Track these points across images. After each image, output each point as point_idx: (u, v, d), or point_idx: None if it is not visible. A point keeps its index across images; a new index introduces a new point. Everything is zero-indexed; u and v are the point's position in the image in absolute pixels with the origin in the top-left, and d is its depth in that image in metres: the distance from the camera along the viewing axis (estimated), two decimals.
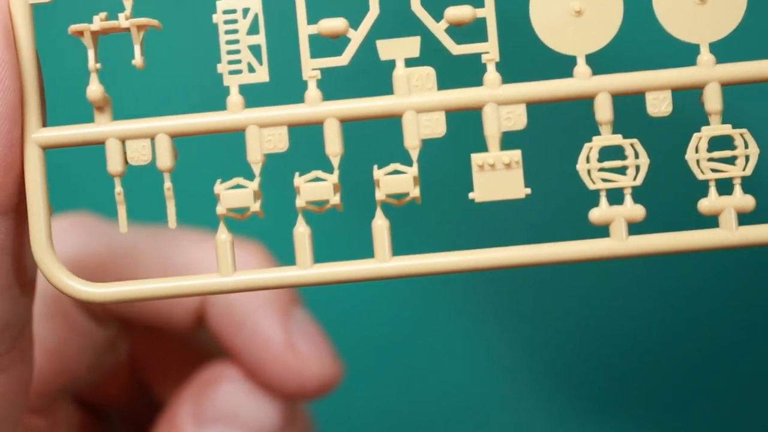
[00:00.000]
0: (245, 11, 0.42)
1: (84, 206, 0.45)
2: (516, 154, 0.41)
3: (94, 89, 0.41)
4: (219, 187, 0.41)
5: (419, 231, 0.55)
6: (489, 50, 0.42)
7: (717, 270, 0.71)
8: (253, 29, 0.42)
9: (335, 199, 0.41)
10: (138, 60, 0.42)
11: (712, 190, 0.41)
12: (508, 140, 0.41)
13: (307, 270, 0.42)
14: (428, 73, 0.42)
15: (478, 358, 0.72)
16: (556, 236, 0.41)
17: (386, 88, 0.42)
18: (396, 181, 0.41)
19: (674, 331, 0.72)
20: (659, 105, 0.42)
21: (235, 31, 0.42)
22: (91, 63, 0.41)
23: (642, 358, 0.72)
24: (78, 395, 0.49)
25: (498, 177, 0.41)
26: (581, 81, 0.41)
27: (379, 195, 0.41)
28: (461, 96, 0.42)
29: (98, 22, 0.41)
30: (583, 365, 0.72)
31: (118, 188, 0.42)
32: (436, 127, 0.42)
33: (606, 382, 0.72)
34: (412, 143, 0.42)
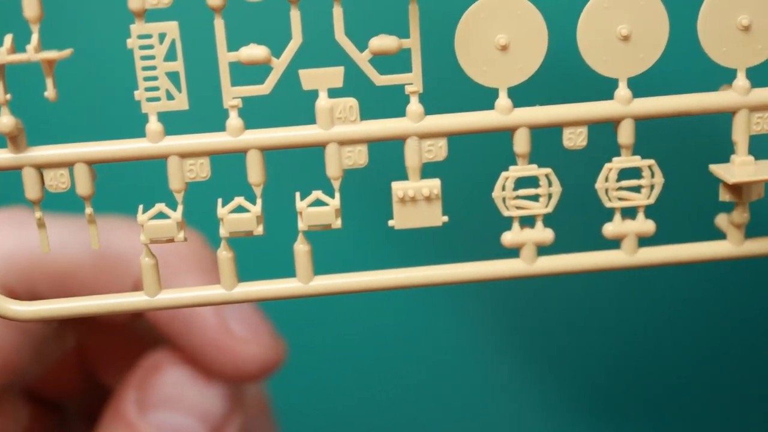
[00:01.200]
0: (162, 36, 0.40)
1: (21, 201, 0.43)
2: (435, 186, 0.42)
3: (5, 121, 0.39)
4: (141, 218, 0.41)
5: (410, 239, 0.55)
6: (413, 81, 0.41)
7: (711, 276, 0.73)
8: (170, 55, 0.40)
9: (258, 230, 0.42)
10: (50, 92, 0.39)
11: (617, 217, 0.43)
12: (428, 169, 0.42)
13: (230, 290, 0.43)
14: (351, 105, 0.41)
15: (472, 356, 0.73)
16: (473, 256, 0.43)
17: (311, 117, 0.41)
18: (318, 213, 0.42)
19: (664, 336, 0.74)
20: (575, 139, 0.42)
21: (151, 57, 0.40)
22: (0, 95, 0.39)
23: (636, 364, 0.75)
24: (27, 389, 0.50)
25: (417, 206, 0.42)
26: (502, 115, 0.42)
27: (302, 226, 0.42)
28: (384, 128, 0.41)
29: (4, 55, 0.39)
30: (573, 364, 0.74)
31: (38, 213, 0.41)
32: (359, 158, 0.42)
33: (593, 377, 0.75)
34: (334, 173, 0.42)
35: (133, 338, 0.51)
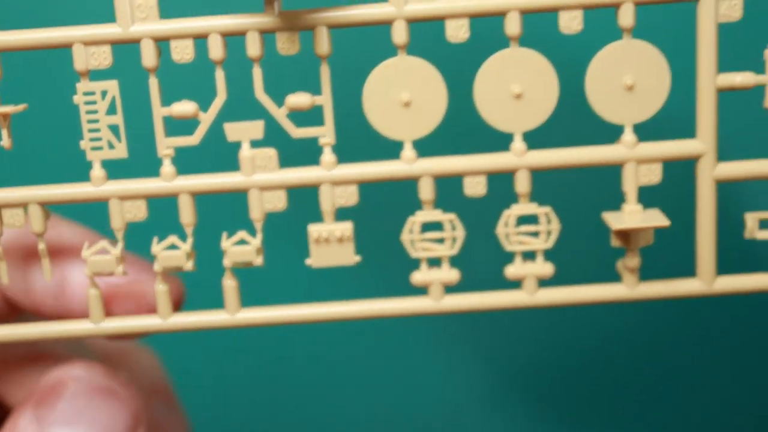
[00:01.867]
0: (104, 93, 0.45)
1: None
2: (347, 228, 0.46)
3: None
4: (85, 253, 0.46)
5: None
6: (326, 134, 0.45)
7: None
8: (111, 110, 0.45)
9: (188, 266, 0.46)
10: (5, 142, 0.45)
11: (518, 259, 0.47)
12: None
13: (166, 320, 0.47)
14: (271, 155, 0.46)
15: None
16: (387, 293, 0.47)
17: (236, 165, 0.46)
18: (241, 251, 0.46)
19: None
20: (475, 187, 0.46)
21: (95, 111, 0.45)
22: None
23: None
24: None
25: (331, 247, 0.46)
26: (407, 165, 0.46)
27: (227, 262, 0.46)
28: (300, 175, 0.46)
29: None
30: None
31: None
32: (278, 202, 0.46)
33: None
34: (256, 216, 0.46)
35: (32, 357, 0.51)
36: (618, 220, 0.46)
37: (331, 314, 0.47)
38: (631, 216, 0.46)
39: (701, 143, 0.45)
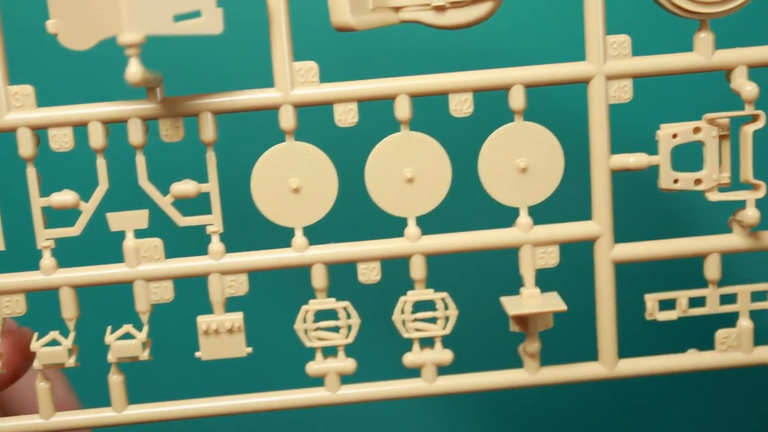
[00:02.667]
0: None
1: None
2: (238, 319, 0.44)
3: None
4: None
5: None
6: (213, 222, 0.44)
7: None
8: None
9: (70, 362, 0.44)
10: None
11: (416, 347, 0.45)
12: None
13: (47, 419, 0.45)
14: (156, 244, 0.44)
15: None
16: (280, 386, 0.45)
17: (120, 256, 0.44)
18: (126, 346, 0.44)
19: None
20: (369, 274, 0.45)
21: None
22: None
23: None
24: None
25: (221, 338, 0.44)
26: (298, 252, 0.44)
27: (111, 357, 0.44)
28: (187, 265, 0.44)
29: None
30: None
31: None
32: (165, 293, 0.44)
33: None
34: (142, 308, 0.44)
35: None
36: (515, 305, 0.44)
37: (221, 409, 0.45)
38: (529, 300, 0.44)
39: (597, 225, 0.44)
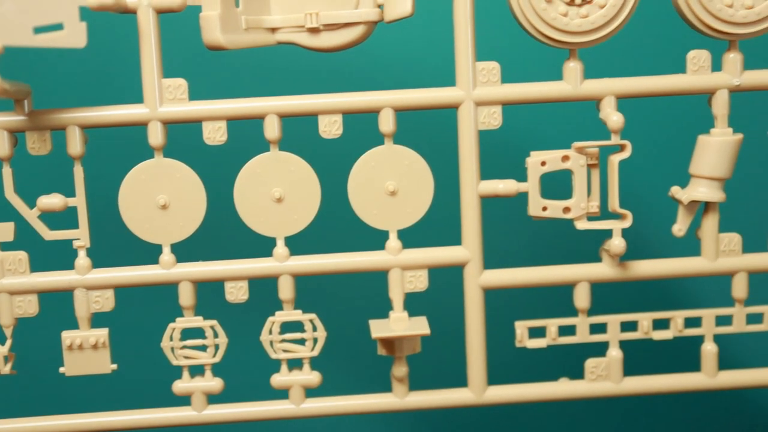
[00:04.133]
0: None
1: None
2: (103, 335, 0.43)
3: None
4: None
5: None
6: (80, 237, 0.43)
7: None
8: None
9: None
10: None
11: (284, 367, 0.45)
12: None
13: None
14: (21, 258, 0.43)
15: None
16: (145, 404, 0.44)
17: None
18: None
19: None
20: (236, 293, 0.44)
21: None
22: None
23: None
24: None
25: (85, 354, 0.44)
26: (165, 270, 0.43)
27: None
28: (52, 280, 0.43)
29: None
30: None
31: None
32: (29, 307, 0.43)
33: None
34: (5, 321, 0.43)
35: None
36: (380, 328, 0.44)
37: (83, 426, 0.44)
38: (395, 324, 0.44)
39: (466, 250, 0.44)
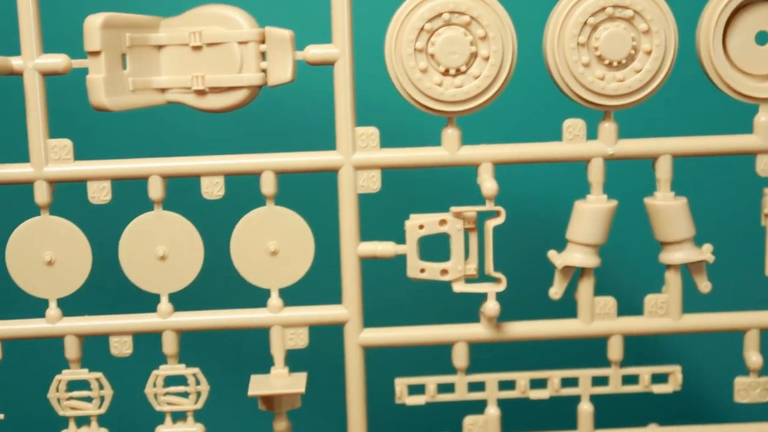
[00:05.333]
0: None
1: None
2: None
3: None
4: None
5: None
6: None
7: None
8: None
9: None
10: None
11: (168, 419, 0.45)
12: None
13: None
14: None
15: None
16: None
17: None
18: None
19: None
20: (121, 347, 0.44)
21: None
22: None
23: None
24: None
25: None
26: (51, 324, 0.44)
27: None
28: None
29: None
30: None
31: None
32: None
33: None
34: None
35: None
36: (259, 384, 0.44)
37: None
38: (275, 380, 0.45)
39: (345, 309, 0.45)
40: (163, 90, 0.44)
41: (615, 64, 0.42)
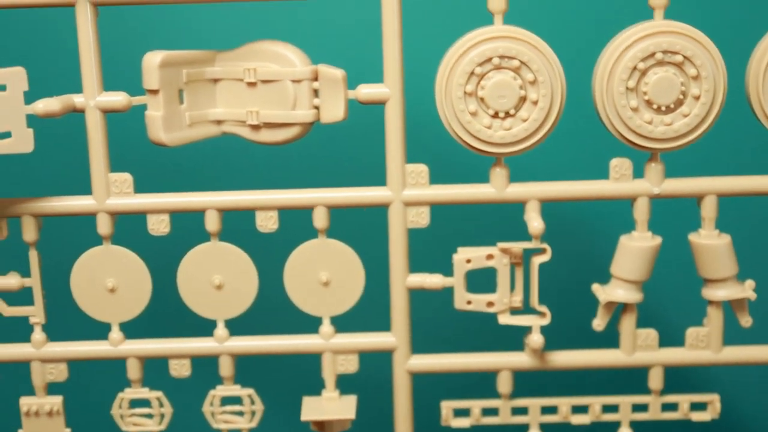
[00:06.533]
0: None
1: None
2: (57, 403, 0.46)
3: None
4: None
5: None
6: (35, 314, 0.46)
7: None
8: None
9: None
10: None
11: None
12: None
13: None
14: None
15: None
16: None
17: None
18: None
19: None
20: (180, 369, 0.46)
21: None
22: None
23: None
24: None
25: (42, 420, 0.46)
26: (113, 347, 0.46)
27: None
28: (11, 352, 0.46)
29: None
30: None
31: None
32: None
33: None
34: None
35: None
36: (311, 409, 0.46)
37: None
38: (327, 403, 0.46)
39: (394, 337, 0.46)
40: (218, 122, 0.45)
41: (663, 108, 0.42)
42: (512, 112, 0.42)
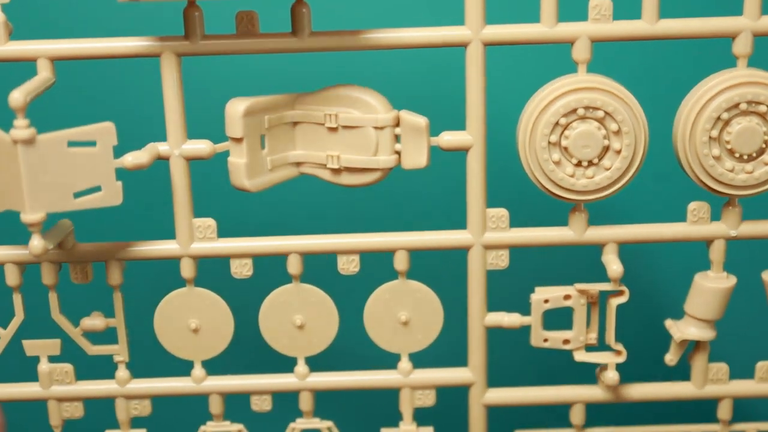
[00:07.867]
0: None
1: None
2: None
3: None
4: None
5: None
6: (119, 352, 0.46)
7: None
8: None
9: None
10: None
11: None
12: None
13: None
14: (67, 370, 0.46)
15: None
16: None
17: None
18: None
19: None
20: (261, 404, 0.47)
21: None
22: None
23: None
24: None
25: None
26: (196, 383, 0.46)
27: None
28: (97, 388, 0.47)
29: None
30: None
31: None
32: (75, 411, 0.47)
33: None
34: (54, 422, 0.47)
35: None
36: None
37: None
38: None
39: (471, 373, 0.46)
40: (298, 164, 0.44)
41: (745, 157, 0.42)
42: (595, 161, 0.42)
